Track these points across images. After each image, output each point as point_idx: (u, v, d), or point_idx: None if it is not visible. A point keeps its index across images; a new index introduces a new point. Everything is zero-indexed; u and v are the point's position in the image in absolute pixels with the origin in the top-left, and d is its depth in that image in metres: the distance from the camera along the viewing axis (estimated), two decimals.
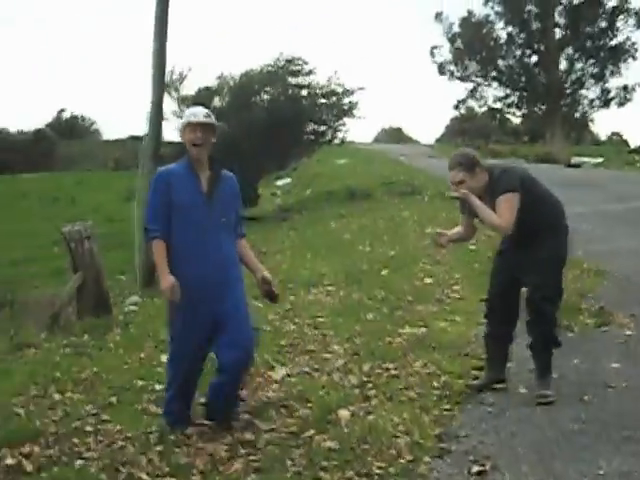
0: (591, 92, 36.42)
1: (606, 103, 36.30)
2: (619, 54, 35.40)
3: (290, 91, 20.36)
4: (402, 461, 3.59)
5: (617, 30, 35.37)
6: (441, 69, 37.62)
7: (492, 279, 4.58)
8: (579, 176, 19.35)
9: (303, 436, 3.97)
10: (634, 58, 35.53)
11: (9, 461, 3.77)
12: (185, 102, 20.27)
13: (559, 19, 36.12)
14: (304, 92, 20.63)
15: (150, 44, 11.63)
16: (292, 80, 20.46)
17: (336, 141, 21.75)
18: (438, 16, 37.07)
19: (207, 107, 4.41)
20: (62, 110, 58.40)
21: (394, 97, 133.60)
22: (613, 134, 55.38)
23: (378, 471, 3.51)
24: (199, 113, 4.06)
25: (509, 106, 38.09)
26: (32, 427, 4.23)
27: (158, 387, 4.77)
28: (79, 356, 5.92)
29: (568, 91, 36.46)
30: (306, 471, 3.56)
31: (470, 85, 37.66)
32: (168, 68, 14.60)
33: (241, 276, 4.17)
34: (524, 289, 4.48)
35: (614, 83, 36.46)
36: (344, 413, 4.21)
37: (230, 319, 3.97)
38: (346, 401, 4.41)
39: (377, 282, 7.97)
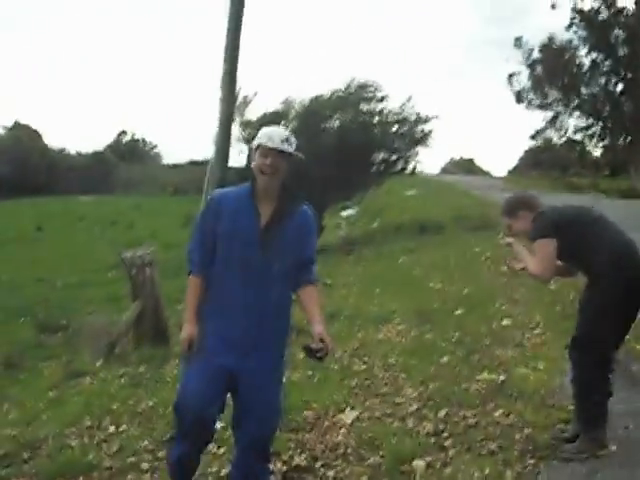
0: None
1: None
2: None
3: (361, 118, 20.41)
4: None
5: None
6: (519, 97, 37.25)
7: None
8: None
9: None
10: None
11: None
12: (249, 126, 20.56)
13: None
14: (376, 119, 20.66)
15: (214, 68, 11.83)
16: (364, 107, 20.54)
17: (407, 171, 21.70)
18: (517, 41, 36.89)
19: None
20: (122, 132, 60.32)
21: (464, 125, 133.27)
22: None
23: None
24: (276, 136, 3.45)
25: (591, 137, 37.44)
26: (86, 460, 4.25)
27: (218, 425, 4.71)
28: (135, 387, 5.96)
29: None
30: None
31: (549, 114, 37.22)
32: None
33: (284, 333, 3.58)
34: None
35: None
36: (419, 463, 4.09)
37: (253, 390, 3.43)
38: (421, 450, 4.29)
39: (451, 322, 7.80)
